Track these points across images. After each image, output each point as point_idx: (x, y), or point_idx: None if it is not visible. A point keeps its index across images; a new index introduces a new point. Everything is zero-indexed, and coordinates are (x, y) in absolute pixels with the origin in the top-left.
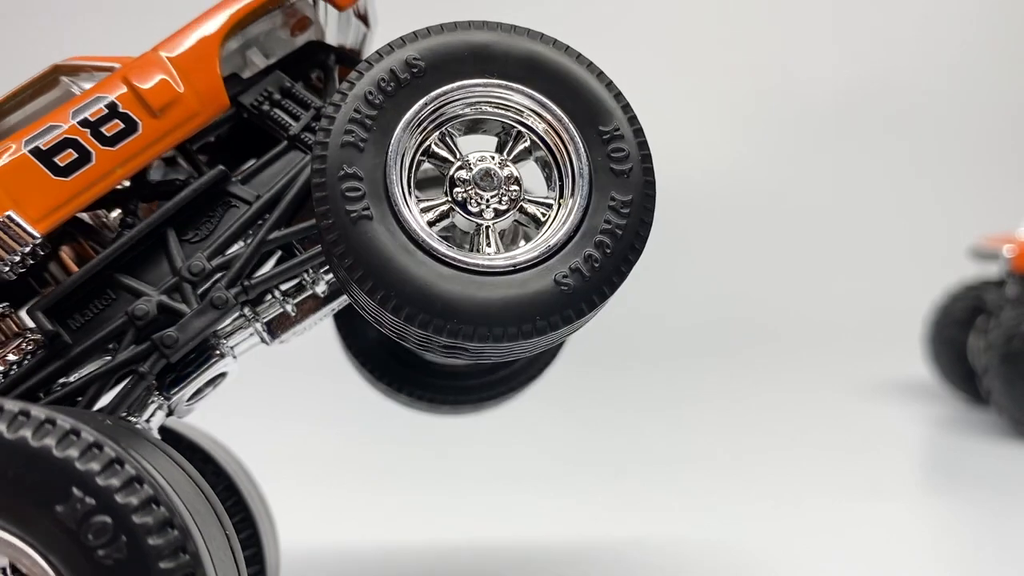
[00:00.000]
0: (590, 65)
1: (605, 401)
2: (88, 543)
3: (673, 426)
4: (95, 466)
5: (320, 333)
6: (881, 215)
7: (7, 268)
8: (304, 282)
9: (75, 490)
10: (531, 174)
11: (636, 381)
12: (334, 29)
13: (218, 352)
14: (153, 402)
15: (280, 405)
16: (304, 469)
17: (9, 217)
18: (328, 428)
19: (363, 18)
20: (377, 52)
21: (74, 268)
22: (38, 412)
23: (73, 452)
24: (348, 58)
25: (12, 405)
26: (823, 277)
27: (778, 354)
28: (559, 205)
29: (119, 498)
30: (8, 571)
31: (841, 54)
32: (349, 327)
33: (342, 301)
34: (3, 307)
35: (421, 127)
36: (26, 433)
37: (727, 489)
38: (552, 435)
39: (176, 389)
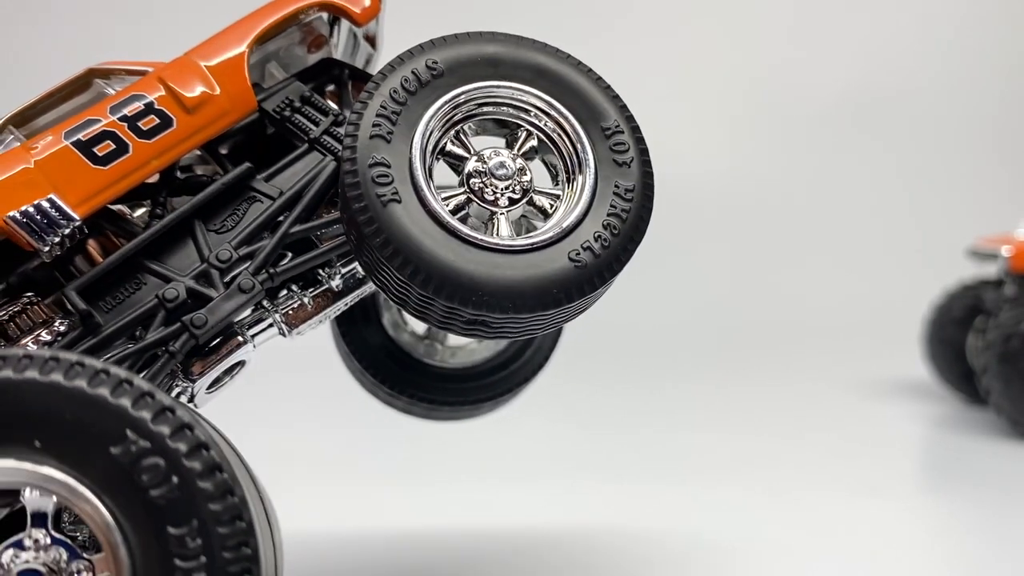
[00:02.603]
0: (589, 71)
1: (605, 399)
2: (141, 483)
3: (672, 424)
4: (147, 412)
5: (316, 333)
6: (879, 215)
7: (47, 248)
8: (320, 277)
9: (129, 433)
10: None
11: (635, 379)
12: (344, 48)
13: (240, 338)
14: (177, 387)
15: (278, 402)
16: (303, 465)
17: (51, 200)
18: (327, 424)
19: (371, 41)
20: (399, 56)
21: (101, 261)
22: (92, 362)
23: (127, 400)
24: (360, 75)
25: (68, 356)
26: (822, 277)
27: (776, 353)
28: (568, 194)
29: (171, 442)
30: (49, 526)
31: (840, 54)
32: (351, 335)
33: (355, 296)
34: (30, 296)
35: (441, 122)
36: (82, 382)
37: (726, 488)
38: (553, 433)
39: (200, 372)
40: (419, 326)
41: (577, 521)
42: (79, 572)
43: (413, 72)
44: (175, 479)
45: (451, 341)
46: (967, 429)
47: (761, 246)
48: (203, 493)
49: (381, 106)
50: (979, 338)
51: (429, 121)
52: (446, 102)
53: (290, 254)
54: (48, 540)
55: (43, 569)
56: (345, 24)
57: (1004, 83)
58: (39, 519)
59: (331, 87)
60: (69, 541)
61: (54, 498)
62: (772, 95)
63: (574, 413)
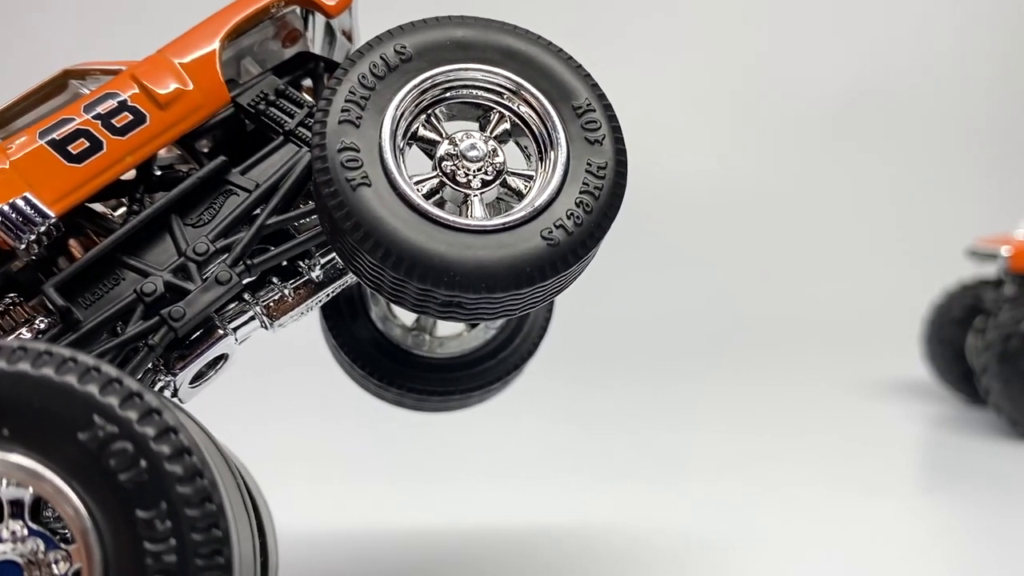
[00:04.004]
0: (559, 51)
1: (604, 399)
2: (109, 468)
3: (672, 424)
4: (115, 398)
5: (311, 330)
6: (879, 215)
7: (23, 246)
8: (300, 268)
9: (97, 418)
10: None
11: (635, 379)
12: (321, 43)
13: (221, 331)
14: (159, 381)
15: (272, 400)
16: (302, 462)
17: (26, 198)
18: (327, 422)
19: (347, 35)
20: (367, 43)
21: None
22: (60, 351)
23: (94, 386)
24: (335, 68)
25: (36, 345)
26: (821, 277)
27: (776, 353)
28: (541, 174)
29: (139, 426)
30: (26, 517)
31: (839, 53)
32: (339, 329)
33: (335, 287)
34: (12, 297)
35: (411, 106)
36: (49, 369)
37: (726, 487)
38: (553, 432)
39: (181, 365)
40: (407, 318)
41: (577, 520)
42: (56, 562)
43: (381, 57)
44: (143, 463)
45: (439, 331)
46: (967, 429)
47: (761, 245)
48: (171, 476)
49: (350, 92)
50: (979, 338)
51: (398, 105)
52: (415, 86)
53: (272, 247)
54: (25, 531)
55: (20, 560)
56: (320, 18)
57: (1003, 83)
58: (16, 510)
59: (307, 81)
60: (47, 532)
61: (31, 489)
62: (773, 94)
63: (574, 412)
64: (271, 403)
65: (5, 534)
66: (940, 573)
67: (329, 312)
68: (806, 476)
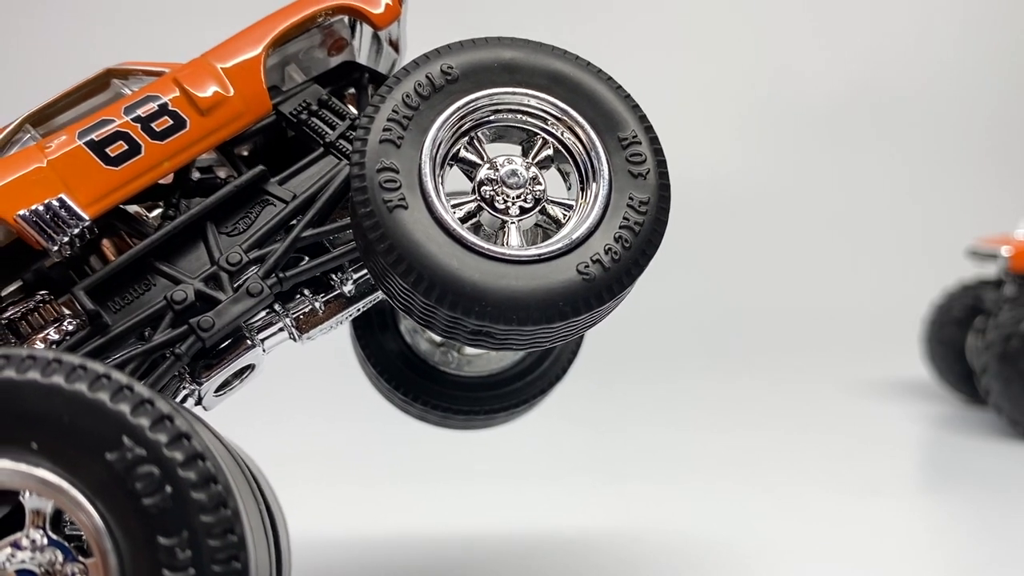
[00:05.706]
0: (608, 79)
1: (606, 400)
2: (135, 491)
3: (673, 425)
4: (145, 420)
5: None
6: (879, 215)
7: (55, 248)
8: (333, 282)
9: (126, 439)
10: (552, 184)
11: (636, 380)
12: (368, 53)
13: (249, 341)
14: (184, 389)
15: (286, 404)
16: (310, 466)
17: (61, 199)
18: (334, 426)
19: (394, 45)
20: (414, 61)
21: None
22: (95, 366)
23: (126, 406)
24: (381, 79)
25: (72, 358)
26: (821, 277)
27: (777, 353)
28: (581, 205)
29: (167, 451)
30: (46, 527)
31: (839, 55)
32: (367, 339)
33: (367, 302)
34: (43, 294)
35: (454, 129)
36: (83, 385)
37: (726, 487)
38: (554, 434)
39: (208, 375)
40: None
41: (579, 520)
42: (73, 575)
43: (427, 77)
44: (169, 488)
45: (468, 350)
46: (967, 429)
47: (760, 245)
48: (196, 504)
49: (393, 110)
50: (979, 338)
51: (440, 127)
52: (459, 108)
53: (306, 259)
54: (45, 541)
55: (38, 570)
56: (367, 27)
57: (1004, 83)
58: (37, 520)
59: (351, 91)
60: (66, 543)
61: (52, 500)
62: (770, 97)
63: (576, 413)
64: (277, 404)
65: (25, 542)
66: (940, 573)
67: (359, 322)
68: (807, 476)
